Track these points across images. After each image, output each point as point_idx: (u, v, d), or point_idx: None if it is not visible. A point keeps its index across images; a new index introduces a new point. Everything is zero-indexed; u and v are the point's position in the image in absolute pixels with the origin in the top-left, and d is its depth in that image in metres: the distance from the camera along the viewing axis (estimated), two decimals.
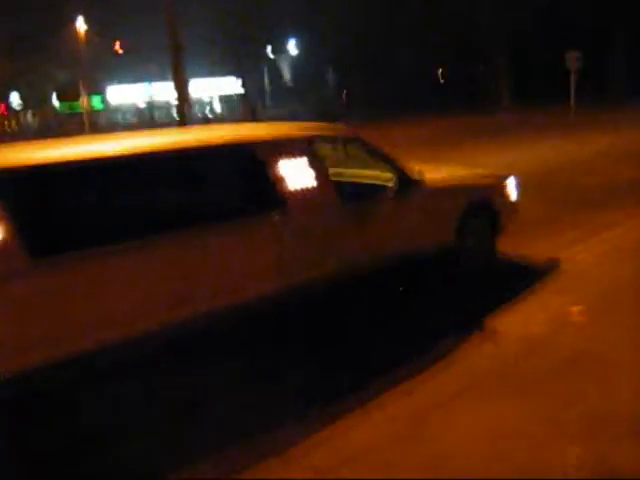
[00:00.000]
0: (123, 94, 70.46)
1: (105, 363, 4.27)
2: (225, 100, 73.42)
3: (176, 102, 22.66)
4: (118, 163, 4.60)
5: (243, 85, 53.00)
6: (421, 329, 5.69)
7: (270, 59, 64.39)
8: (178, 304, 4.54)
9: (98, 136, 6.10)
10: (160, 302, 4.47)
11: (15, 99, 62.97)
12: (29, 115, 69.35)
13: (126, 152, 4.69)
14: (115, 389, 4.46)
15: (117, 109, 71.31)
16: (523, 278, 6.82)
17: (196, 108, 56.06)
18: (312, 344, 5.37)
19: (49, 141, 4.93)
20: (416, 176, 6.26)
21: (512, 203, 7.48)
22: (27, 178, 4.19)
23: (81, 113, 51.04)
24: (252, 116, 43.80)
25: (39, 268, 3.97)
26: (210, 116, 51.22)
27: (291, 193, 5.22)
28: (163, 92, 67.28)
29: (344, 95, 58.39)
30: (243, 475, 3.73)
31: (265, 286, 5.02)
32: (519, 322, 5.64)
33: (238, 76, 58.15)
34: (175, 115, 50.66)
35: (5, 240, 3.86)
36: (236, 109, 60.76)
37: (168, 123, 46.78)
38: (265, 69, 67.72)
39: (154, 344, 4.45)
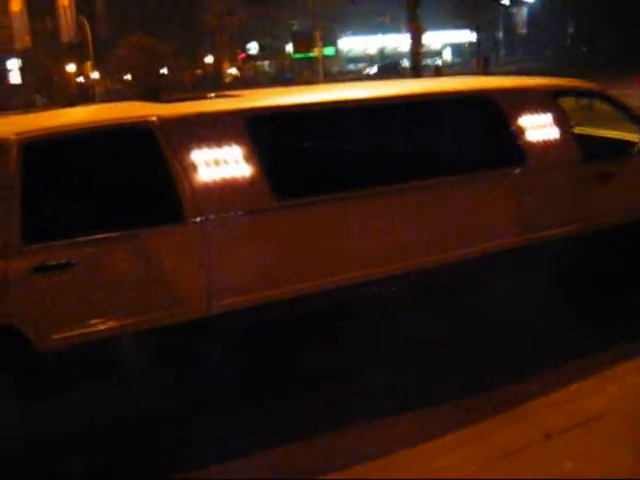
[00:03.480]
0: (355, 44, 71.87)
1: (334, 303, 4.43)
2: (456, 50, 72.18)
3: (406, 52, 22.65)
4: (363, 110, 4.70)
5: (477, 36, 51.52)
6: None
7: (505, 9, 61.89)
8: (417, 253, 4.60)
9: (340, 84, 6.29)
10: (397, 249, 4.54)
11: (253, 47, 66.48)
12: (266, 62, 72.97)
13: (371, 99, 4.79)
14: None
15: (349, 57, 72.87)
16: None
17: (428, 59, 55.56)
18: (551, 302, 5.12)
19: (293, 87, 5.15)
20: None
21: None
22: (277, 122, 4.40)
23: (314, 60, 52.52)
24: (485, 67, 42.57)
25: (285, 209, 4.16)
26: (440, 65, 50.46)
27: (532, 147, 5.07)
28: (394, 42, 67.74)
29: (585, 47, 54.70)
30: (471, 430, 3.81)
31: (502, 241, 4.95)
32: None
33: (472, 28, 56.62)
34: (404, 65, 50.82)
35: (256, 180, 4.09)
36: (468, 59, 59.43)
37: (397, 73, 46.91)
38: (500, 20, 65.38)
39: (393, 287, 4.58)
